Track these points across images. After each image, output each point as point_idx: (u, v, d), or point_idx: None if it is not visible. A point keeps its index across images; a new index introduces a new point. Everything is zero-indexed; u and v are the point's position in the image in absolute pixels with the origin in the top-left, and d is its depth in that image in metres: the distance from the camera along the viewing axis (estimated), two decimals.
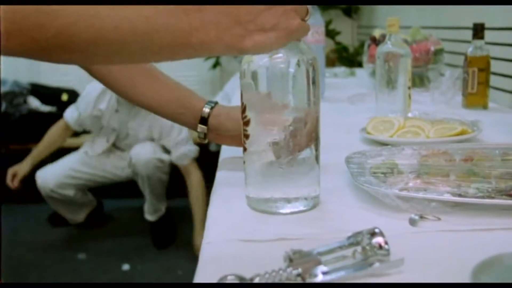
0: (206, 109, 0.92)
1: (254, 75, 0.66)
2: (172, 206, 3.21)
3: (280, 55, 0.66)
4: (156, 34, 0.60)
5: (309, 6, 0.66)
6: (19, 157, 3.72)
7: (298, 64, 0.66)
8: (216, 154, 3.32)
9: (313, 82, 0.67)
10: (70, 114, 2.93)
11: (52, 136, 3.05)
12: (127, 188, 3.38)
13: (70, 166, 3.02)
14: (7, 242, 2.98)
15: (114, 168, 3.03)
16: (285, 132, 0.67)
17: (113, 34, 0.59)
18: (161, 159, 2.84)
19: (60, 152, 3.15)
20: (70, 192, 3.02)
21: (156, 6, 0.61)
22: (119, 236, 3.10)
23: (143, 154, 2.80)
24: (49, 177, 3.00)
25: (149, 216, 3.02)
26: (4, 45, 0.56)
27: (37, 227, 3.26)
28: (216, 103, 0.93)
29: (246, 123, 0.68)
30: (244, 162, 0.71)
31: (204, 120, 0.92)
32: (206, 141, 0.94)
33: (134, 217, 3.29)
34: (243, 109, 0.68)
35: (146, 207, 3.02)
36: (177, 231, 3.11)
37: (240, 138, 0.85)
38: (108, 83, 0.96)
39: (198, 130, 0.92)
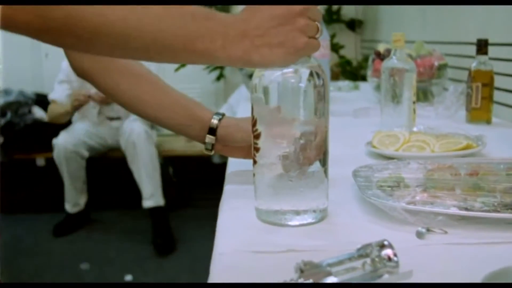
0: (215, 120, 0.92)
1: (266, 90, 0.68)
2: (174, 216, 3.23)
3: (291, 70, 0.67)
4: (160, 34, 0.62)
5: (320, 24, 0.68)
6: (23, 167, 3.74)
7: (308, 79, 0.67)
8: (219, 166, 3.35)
9: (323, 97, 0.69)
10: (63, 93, 3.30)
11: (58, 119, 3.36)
12: (125, 198, 3.40)
13: (80, 130, 3.32)
14: (10, 251, 2.99)
15: (108, 136, 3.38)
16: (295, 146, 0.68)
17: (120, 26, 0.61)
18: (147, 131, 3.22)
19: None
20: (85, 153, 3.30)
21: (168, 6, 0.63)
22: (120, 245, 3.11)
23: (134, 126, 3.18)
24: (66, 139, 3.27)
25: (148, 202, 3.20)
26: (10, 18, 0.57)
27: (40, 236, 3.27)
28: (223, 114, 0.94)
29: (257, 136, 0.69)
30: (254, 174, 0.72)
31: (212, 131, 0.92)
32: (212, 153, 0.95)
33: (135, 228, 3.30)
34: (254, 123, 0.69)
35: (144, 190, 3.20)
36: (176, 238, 3.17)
37: (247, 150, 0.87)
38: (114, 96, 0.97)
39: (206, 140, 0.93)
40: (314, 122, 0.69)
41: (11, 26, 0.58)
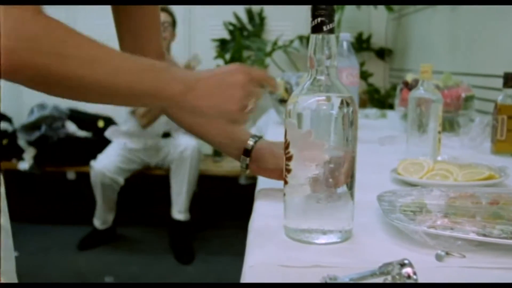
0: (251, 142, 1.00)
1: (299, 116, 0.73)
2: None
3: (323, 97, 0.72)
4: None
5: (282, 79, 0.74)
6: (54, 180, 3.84)
7: (339, 107, 0.72)
8: (246, 187, 3.38)
9: (352, 124, 0.74)
10: None
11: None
12: (150, 215, 3.46)
13: (118, 154, 3.41)
14: (37, 262, 3.07)
15: (147, 157, 3.48)
16: (324, 169, 0.73)
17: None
18: (200, 150, 3.43)
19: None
20: (121, 180, 3.38)
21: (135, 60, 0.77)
22: (144, 260, 3.17)
23: (191, 142, 3.35)
24: (105, 164, 3.35)
25: (179, 215, 3.36)
26: (13, 76, 0.68)
27: (66, 248, 3.34)
28: (260, 137, 1.01)
29: (289, 158, 0.74)
30: (284, 194, 0.77)
31: (247, 152, 0.99)
32: (247, 172, 1.02)
33: (159, 244, 3.36)
34: (287, 145, 0.75)
35: (179, 205, 3.36)
36: (198, 254, 3.27)
37: (278, 172, 0.92)
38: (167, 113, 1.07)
39: (241, 160, 1.00)
40: (343, 147, 0.74)
41: (11, 79, 0.70)
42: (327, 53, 0.74)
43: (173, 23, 3.41)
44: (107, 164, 3.34)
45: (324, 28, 0.73)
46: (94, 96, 0.76)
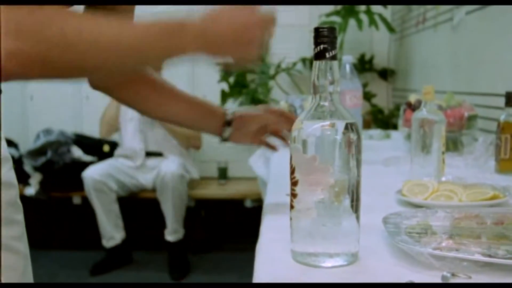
0: (229, 113, 1.09)
1: (304, 142, 0.74)
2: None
3: (327, 123, 0.74)
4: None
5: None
6: (60, 204, 3.86)
7: (343, 132, 0.73)
8: (251, 210, 3.39)
9: (356, 148, 0.75)
10: None
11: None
12: (160, 237, 3.47)
13: (107, 163, 3.58)
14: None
15: (143, 178, 3.58)
16: (329, 193, 0.74)
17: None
18: (183, 174, 3.47)
19: None
20: (113, 185, 3.46)
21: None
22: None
23: (171, 168, 3.41)
24: (94, 170, 3.48)
25: (170, 237, 3.46)
26: (26, 75, 0.70)
27: (75, 273, 3.34)
28: (234, 109, 1.11)
29: (295, 183, 0.76)
30: (290, 218, 0.78)
31: (228, 123, 1.09)
32: (227, 142, 1.12)
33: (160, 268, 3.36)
34: (292, 170, 0.76)
35: (169, 228, 3.46)
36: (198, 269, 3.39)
37: (253, 135, 1.09)
38: (133, 103, 1.10)
39: (223, 131, 1.10)
40: (348, 171, 0.75)
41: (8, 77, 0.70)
42: (330, 78, 0.76)
43: None
44: (96, 170, 3.48)
45: (327, 55, 0.75)
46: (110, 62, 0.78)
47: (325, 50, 0.75)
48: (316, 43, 0.76)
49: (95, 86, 1.08)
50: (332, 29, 0.75)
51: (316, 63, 0.76)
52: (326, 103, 0.76)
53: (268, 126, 1.13)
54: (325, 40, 0.75)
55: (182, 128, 3.31)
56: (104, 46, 0.74)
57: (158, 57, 0.80)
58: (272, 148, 1.23)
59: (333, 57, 0.76)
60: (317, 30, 0.75)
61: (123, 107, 3.50)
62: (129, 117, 3.55)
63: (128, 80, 1.07)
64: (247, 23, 0.83)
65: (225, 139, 1.11)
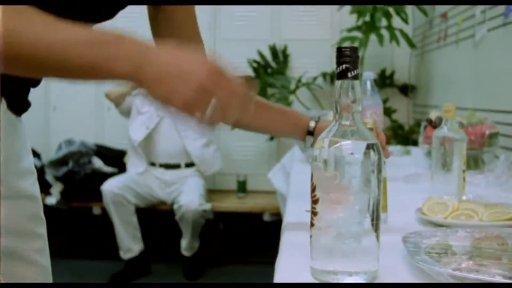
0: (312, 124, 1.14)
1: (325, 161, 0.75)
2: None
3: (349, 142, 0.74)
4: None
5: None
6: (80, 214, 3.89)
7: (365, 152, 0.74)
8: (269, 223, 3.38)
9: (377, 166, 0.75)
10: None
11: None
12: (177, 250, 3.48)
13: (126, 176, 3.64)
14: None
15: (161, 193, 3.63)
16: (350, 211, 0.75)
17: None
18: (205, 209, 3.47)
19: None
20: (132, 198, 3.49)
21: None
22: None
23: (192, 204, 3.40)
24: (113, 183, 3.52)
25: (186, 252, 3.52)
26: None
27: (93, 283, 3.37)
28: (319, 117, 1.16)
29: (315, 201, 0.76)
30: (310, 236, 0.79)
31: (310, 133, 1.14)
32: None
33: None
34: (313, 189, 0.76)
35: (184, 245, 3.52)
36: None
37: None
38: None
39: (307, 140, 1.15)
40: (368, 190, 0.75)
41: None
42: (352, 98, 0.77)
43: None
44: (115, 183, 3.52)
45: (349, 75, 0.76)
46: (52, 72, 0.73)
47: (347, 69, 0.76)
48: (339, 63, 0.76)
49: None
50: (354, 49, 0.76)
51: (338, 83, 0.77)
52: (348, 122, 0.76)
53: None
54: (347, 60, 0.76)
55: None
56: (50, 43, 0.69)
57: (82, 66, 0.70)
58: None
59: (355, 77, 0.76)
60: (339, 50, 0.76)
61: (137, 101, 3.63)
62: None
63: None
64: (194, 70, 0.72)
65: (309, 146, 1.15)
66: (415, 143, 2.76)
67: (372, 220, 0.76)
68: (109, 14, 0.95)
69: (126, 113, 3.73)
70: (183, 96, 0.71)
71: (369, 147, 0.75)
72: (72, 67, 0.71)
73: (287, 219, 1.14)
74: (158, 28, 1.09)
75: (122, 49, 0.71)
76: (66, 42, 0.70)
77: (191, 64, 0.73)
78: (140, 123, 3.62)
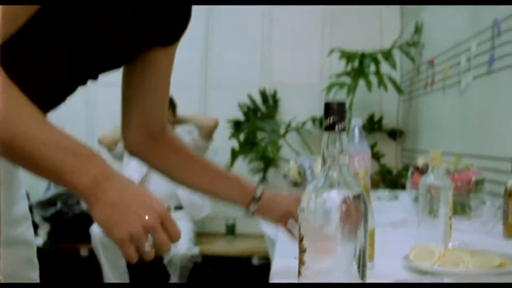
0: (259, 191, 1.11)
1: (313, 212, 0.77)
2: None
3: (335, 193, 0.76)
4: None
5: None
6: (67, 256, 3.85)
7: (351, 203, 0.76)
8: (258, 267, 3.35)
9: (363, 215, 0.77)
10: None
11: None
12: None
13: None
14: None
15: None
16: (336, 260, 0.76)
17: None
18: (193, 254, 3.48)
19: None
20: None
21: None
22: None
23: (181, 249, 3.39)
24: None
25: None
26: None
27: None
28: (264, 187, 1.13)
29: (303, 251, 0.78)
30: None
31: (256, 199, 1.10)
32: (253, 216, 1.13)
33: None
34: (301, 239, 0.78)
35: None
36: None
37: (285, 219, 1.09)
38: (167, 172, 1.16)
39: (251, 207, 1.10)
40: (355, 239, 0.77)
41: None
42: (339, 149, 0.79)
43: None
44: None
45: (337, 128, 0.78)
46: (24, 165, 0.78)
47: (334, 123, 0.78)
48: (326, 116, 0.79)
49: (130, 151, 1.14)
50: (341, 104, 0.78)
51: (326, 134, 0.80)
52: (335, 174, 0.79)
53: (293, 213, 1.11)
54: (335, 113, 0.78)
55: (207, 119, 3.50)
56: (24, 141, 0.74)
57: (50, 168, 0.75)
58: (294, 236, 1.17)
59: (343, 129, 0.79)
60: (327, 105, 0.79)
61: None
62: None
63: (165, 148, 1.14)
64: (150, 208, 0.77)
65: (251, 214, 1.12)
66: (403, 187, 2.78)
67: (359, 267, 0.78)
68: (118, 65, 0.98)
69: (119, 158, 3.72)
70: (128, 229, 0.76)
71: (356, 198, 0.76)
72: (41, 164, 0.75)
73: (275, 266, 1.15)
74: (131, 77, 1.10)
75: (91, 164, 0.76)
76: (47, 140, 0.75)
77: (149, 202, 0.78)
78: (134, 168, 3.61)
